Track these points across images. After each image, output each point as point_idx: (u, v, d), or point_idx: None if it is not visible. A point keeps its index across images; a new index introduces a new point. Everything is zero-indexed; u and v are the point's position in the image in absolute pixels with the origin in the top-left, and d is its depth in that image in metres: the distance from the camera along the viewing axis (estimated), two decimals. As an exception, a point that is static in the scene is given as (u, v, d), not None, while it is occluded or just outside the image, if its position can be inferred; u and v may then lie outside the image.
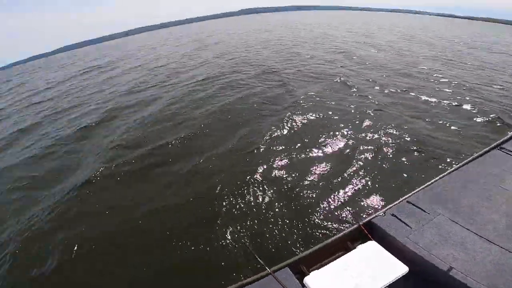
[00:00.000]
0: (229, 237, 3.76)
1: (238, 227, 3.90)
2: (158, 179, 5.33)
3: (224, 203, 4.38)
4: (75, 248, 4.01)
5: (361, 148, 5.52)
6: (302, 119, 6.89)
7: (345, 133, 6.15)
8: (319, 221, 3.90)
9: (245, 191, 4.60)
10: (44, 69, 37.47)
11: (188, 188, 4.94)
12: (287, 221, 3.93)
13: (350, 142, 5.79)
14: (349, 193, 4.37)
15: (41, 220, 4.68)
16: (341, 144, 5.74)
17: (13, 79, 34.52)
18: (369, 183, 4.56)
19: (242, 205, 4.33)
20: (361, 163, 5.05)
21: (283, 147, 5.78)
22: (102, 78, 16.90)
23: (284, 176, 4.91)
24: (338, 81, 9.77)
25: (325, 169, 5.01)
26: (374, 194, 4.31)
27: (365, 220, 2.78)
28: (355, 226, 2.72)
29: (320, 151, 5.58)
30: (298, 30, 29.57)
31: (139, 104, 9.58)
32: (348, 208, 3.56)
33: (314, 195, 4.39)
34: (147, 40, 50.29)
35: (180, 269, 3.48)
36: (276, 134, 6.27)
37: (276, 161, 5.29)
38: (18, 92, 20.24)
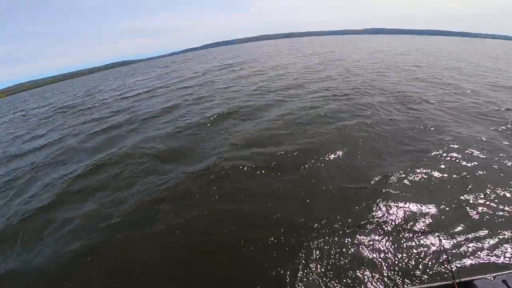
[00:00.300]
0: (303, 265, 3.42)
1: (317, 260, 3.51)
2: (256, 186, 5.20)
3: (313, 234, 3.91)
4: (171, 222, 4.43)
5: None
6: (438, 165, 5.33)
7: (500, 192, 4.48)
8: (406, 268, 3.31)
9: (341, 227, 3.99)
10: (193, 61, 47.27)
11: (282, 202, 4.65)
12: (370, 262, 3.43)
13: (502, 205, 4.22)
14: (459, 251, 3.47)
15: (155, 188, 5.50)
16: (486, 206, 4.22)
17: (170, 66, 45.25)
18: (492, 248, 3.47)
19: (331, 240, 3.79)
20: (496, 228, 3.77)
21: (400, 193, 4.63)
22: (231, 76, 19.32)
23: (389, 220, 4.08)
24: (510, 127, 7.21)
25: (442, 221, 4.01)
26: (493, 259, 3.32)
27: (464, 279, 2.45)
28: (446, 282, 2.50)
29: (448, 206, 4.28)
30: (440, 57, 24.62)
31: (256, 107, 10.09)
32: (449, 263, 2.79)
33: (412, 244, 3.63)
34: (272, 47, 55.03)
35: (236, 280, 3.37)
36: (395, 176, 5.06)
37: (387, 206, 4.33)
38: (172, 77, 26.16)
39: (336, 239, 3.79)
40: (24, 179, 7.42)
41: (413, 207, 4.31)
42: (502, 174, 5.03)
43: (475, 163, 5.39)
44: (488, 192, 4.53)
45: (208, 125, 8.86)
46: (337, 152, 6.17)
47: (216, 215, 4.52)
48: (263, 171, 5.64)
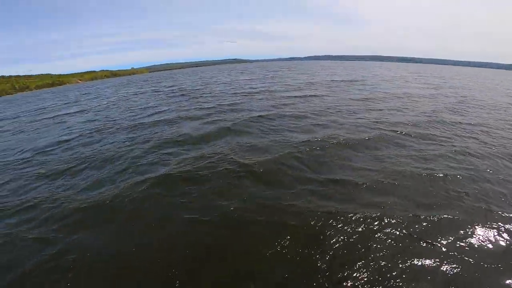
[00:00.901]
0: None
1: None
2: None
3: None
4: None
5: None
6: None
7: None
8: None
9: None
10: (298, 70, 47.67)
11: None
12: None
13: None
14: None
15: (239, 205, 5.12)
16: None
17: (276, 70, 47.00)
18: None
19: None
20: None
21: None
22: (337, 96, 17.89)
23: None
24: None
25: None
26: None
27: None
28: None
29: None
30: None
31: (370, 141, 8.35)
32: None
33: None
34: (384, 69, 49.08)
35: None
36: None
37: None
38: (275, 81, 26.80)
39: None
40: (143, 147, 8.55)
41: None
42: None
43: None
44: None
45: (306, 148, 7.69)
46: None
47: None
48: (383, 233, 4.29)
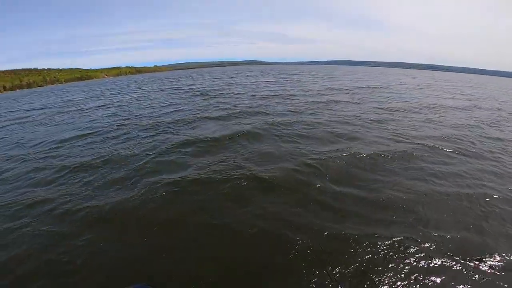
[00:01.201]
0: None
1: None
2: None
3: None
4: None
5: None
6: None
7: None
8: None
9: None
10: (318, 74, 46.90)
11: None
12: None
13: None
14: None
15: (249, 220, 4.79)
16: None
17: (295, 74, 46.51)
18: None
19: None
20: None
21: None
22: (362, 106, 17.23)
23: None
24: None
25: None
26: None
27: None
28: None
29: None
30: None
31: (401, 160, 7.76)
32: None
33: None
34: (409, 77, 46.78)
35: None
36: None
37: None
38: (295, 85, 26.39)
39: None
40: (161, 146, 8.56)
41: None
42: None
43: None
44: None
45: (323, 158, 7.17)
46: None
47: None
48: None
